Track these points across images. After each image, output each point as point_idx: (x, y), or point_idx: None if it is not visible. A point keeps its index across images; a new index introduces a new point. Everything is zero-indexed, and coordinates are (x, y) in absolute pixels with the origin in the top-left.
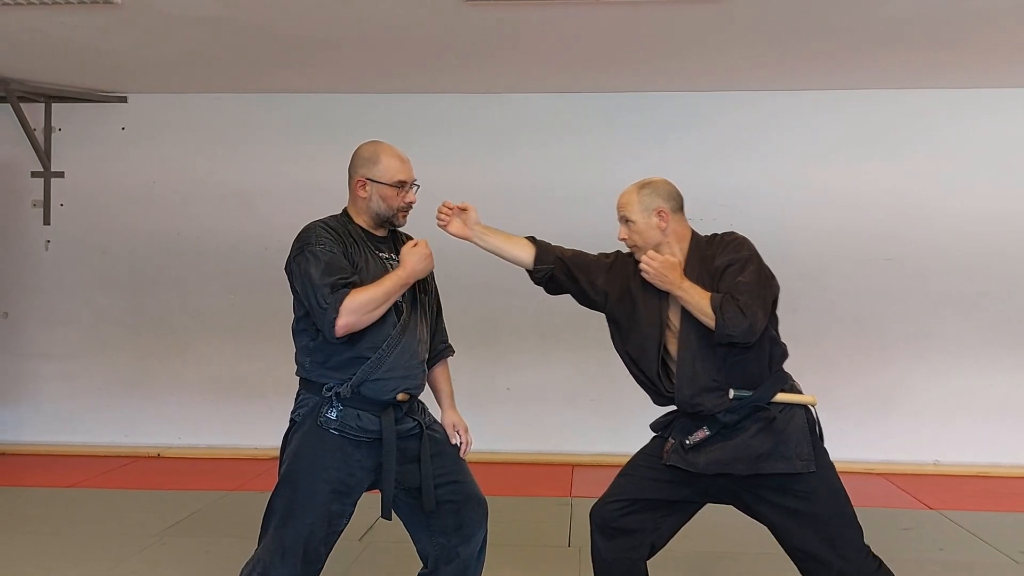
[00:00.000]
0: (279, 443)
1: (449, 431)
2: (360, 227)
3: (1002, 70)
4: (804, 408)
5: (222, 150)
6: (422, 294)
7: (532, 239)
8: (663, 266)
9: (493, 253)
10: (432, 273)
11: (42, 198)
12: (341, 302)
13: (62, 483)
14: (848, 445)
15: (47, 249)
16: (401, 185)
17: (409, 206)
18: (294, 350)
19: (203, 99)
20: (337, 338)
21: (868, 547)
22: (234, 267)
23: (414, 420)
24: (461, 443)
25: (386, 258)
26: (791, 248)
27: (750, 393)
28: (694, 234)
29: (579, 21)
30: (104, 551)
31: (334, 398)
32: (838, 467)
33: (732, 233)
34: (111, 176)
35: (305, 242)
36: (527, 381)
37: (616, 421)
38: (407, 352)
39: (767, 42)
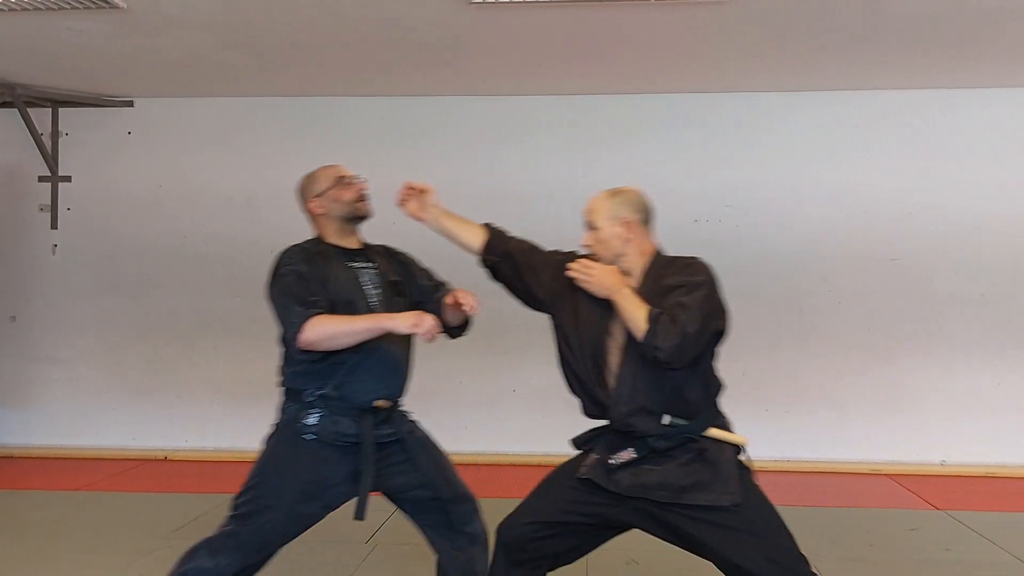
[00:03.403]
0: None
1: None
2: (331, 245)
3: (1009, 69)
4: (734, 446)
5: (228, 154)
6: (397, 296)
7: (488, 226)
8: (600, 273)
9: (446, 237)
10: (413, 271)
11: (49, 202)
12: (307, 319)
13: (69, 486)
14: (854, 445)
15: (54, 253)
16: (341, 180)
17: (361, 193)
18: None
19: (209, 103)
20: (300, 351)
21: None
22: (240, 270)
23: (392, 428)
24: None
25: (359, 267)
26: (797, 248)
27: (685, 423)
28: (658, 252)
29: (582, 23)
30: (111, 554)
31: (316, 401)
32: (845, 467)
33: (694, 258)
34: (118, 180)
35: (276, 265)
36: (533, 383)
37: None
38: (385, 358)
39: (772, 42)
